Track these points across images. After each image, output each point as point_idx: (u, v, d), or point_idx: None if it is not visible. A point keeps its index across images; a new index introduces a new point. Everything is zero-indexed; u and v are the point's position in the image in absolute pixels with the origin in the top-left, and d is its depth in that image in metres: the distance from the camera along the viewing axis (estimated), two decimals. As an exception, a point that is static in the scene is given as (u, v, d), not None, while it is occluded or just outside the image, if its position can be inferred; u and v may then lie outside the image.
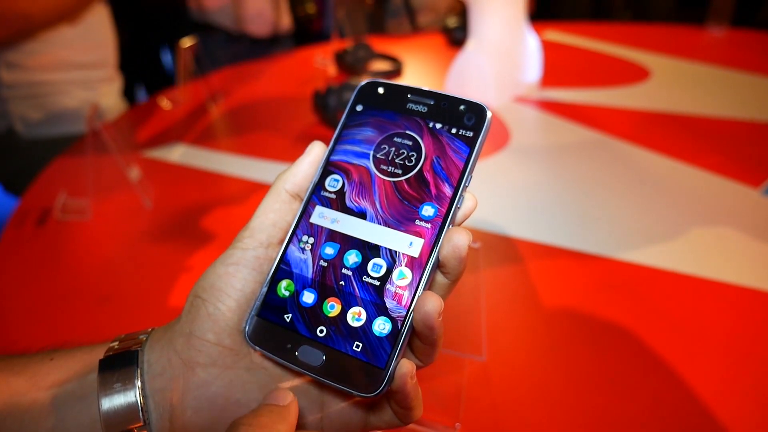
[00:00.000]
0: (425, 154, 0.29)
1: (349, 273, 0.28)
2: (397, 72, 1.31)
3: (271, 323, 0.27)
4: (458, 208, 0.28)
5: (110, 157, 0.78)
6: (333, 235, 0.29)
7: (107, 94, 1.21)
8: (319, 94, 1.00)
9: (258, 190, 0.86)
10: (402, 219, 0.28)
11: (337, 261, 0.28)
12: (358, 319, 0.27)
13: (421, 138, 0.29)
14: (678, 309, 0.59)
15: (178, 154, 0.99)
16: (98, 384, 0.27)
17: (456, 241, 0.26)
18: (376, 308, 0.27)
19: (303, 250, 0.29)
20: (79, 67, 1.14)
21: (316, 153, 0.30)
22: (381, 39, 1.58)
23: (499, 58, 1.08)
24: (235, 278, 0.28)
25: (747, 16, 2.20)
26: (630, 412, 0.48)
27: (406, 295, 0.26)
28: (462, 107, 0.29)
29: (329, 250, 0.28)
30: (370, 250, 0.28)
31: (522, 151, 0.95)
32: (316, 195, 0.30)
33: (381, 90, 0.31)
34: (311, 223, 0.29)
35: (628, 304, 0.60)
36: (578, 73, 1.29)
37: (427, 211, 0.28)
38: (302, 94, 1.16)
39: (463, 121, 0.29)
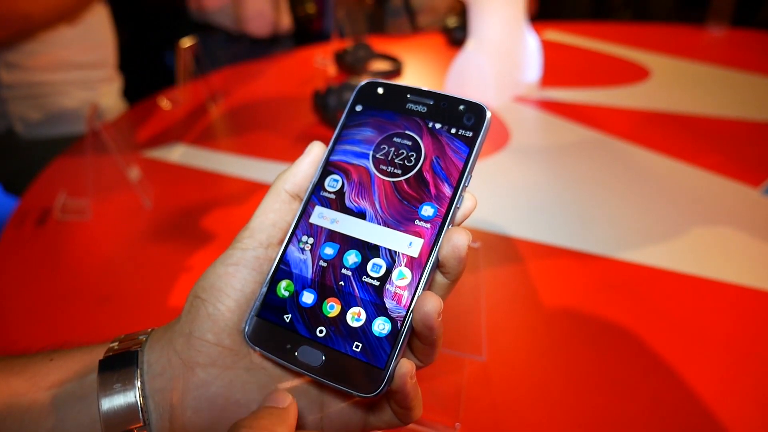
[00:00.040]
0: (425, 154, 0.29)
1: (349, 273, 0.28)
2: (396, 72, 1.31)
3: (271, 323, 0.27)
4: (458, 208, 0.28)
5: (110, 157, 0.78)
6: (332, 236, 0.29)
7: (107, 95, 1.21)
8: (319, 94, 1.00)
9: (258, 190, 0.86)
10: (401, 219, 0.28)
11: (337, 261, 0.28)
12: (357, 320, 0.27)
13: (421, 138, 0.29)
14: (678, 309, 0.59)
15: (178, 154, 0.99)
16: (98, 384, 0.27)
17: (455, 241, 0.26)
18: (376, 308, 0.27)
19: (303, 250, 0.29)
20: (79, 68, 1.14)
21: (315, 153, 0.30)
22: (381, 39, 1.58)
23: (499, 58, 1.08)
24: (235, 278, 0.28)
25: (747, 16, 2.20)
26: (630, 412, 0.48)
27: (405, 295, 0.26)
28: (461, 107, 0.29)
29: (329, 251, 0.28)
30: (369, 250, 0.28)
31: (522, 150, 0.95)
32: (316, 195, 0.30)
33: (380, 90, 0.31)
34: (311, 224, 0.29)
35: (628, 304, 0.60)
36: (578, 73, 1.29)
37: (427, 211, 0.28)
38: (302, 94, 1.16)
39: (462, 121, 0.29)
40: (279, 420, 0.24)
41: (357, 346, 0.26)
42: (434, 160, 0.29)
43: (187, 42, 1.11)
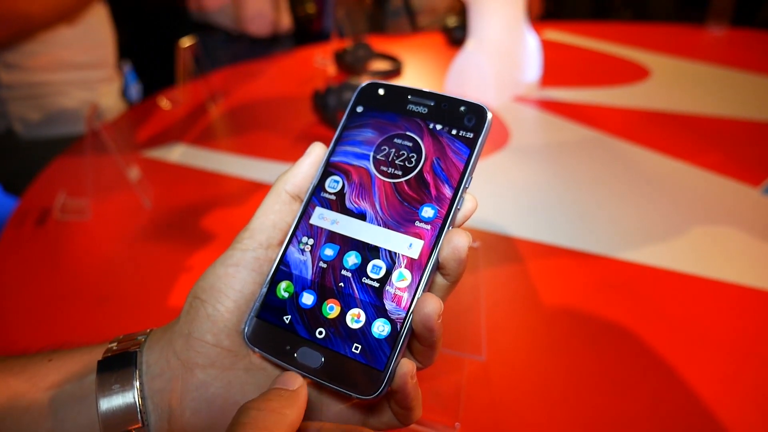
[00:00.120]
0: (425, 155, 0.29)
1: (349, 274, 0.28)
2: (396, 72, 1.31)
3: (271, 325, 0.27)
4: (458, 209, 0.28)
5: (110, 157, 0.78)
6: (333, 237, 0.29)
7: (106, 94, 1.21)
8: (319, 94, 1.00)
9: (258, 190, 0.86)
10: (402, 220, 0.28)
11: (337, 262, 0.28)
12: (357, 321, 0.27)
13: (422, 139, 0.29)
14: (678, 309, 0.59)
15: (178, 154, 0.99)
16: (97, 385, 0.27)
17: (456, 242, 0.26)
18: (376, 310, 0.27)
19: (303, 251, 0.29)
20: (79, 68, 1.14)
21: (316, 154, 0.30)
22: (381, 39, 1.58)
23: (499, 58, 1.08)
24: (235, 279, 0.28)
25: (747, 16, 2.20)
26: (630, 412, 0.48)
27: (405, 296, 0.26)
28: (462, 108, 0.29)
29: (329, 252, 0.28)
30: (369, 251, 0.28)
31: (522, 150, 0.95)
32: (316, 196, 0.30)
33: (381, 91, 0.31)
34: (311, 225, 0.29)
35: (628, 304, 0.60)
36: (578, 73, 1.29)
37: (427, 212, 0.28)
38: (302, 94, 1.16)
39: (463, 122, 0.29)
40: (288, 402, 0.24)
41: (356, 348, 0.26)
42: (435, 162, 0.29)
43: (187, 42, 1.11)
